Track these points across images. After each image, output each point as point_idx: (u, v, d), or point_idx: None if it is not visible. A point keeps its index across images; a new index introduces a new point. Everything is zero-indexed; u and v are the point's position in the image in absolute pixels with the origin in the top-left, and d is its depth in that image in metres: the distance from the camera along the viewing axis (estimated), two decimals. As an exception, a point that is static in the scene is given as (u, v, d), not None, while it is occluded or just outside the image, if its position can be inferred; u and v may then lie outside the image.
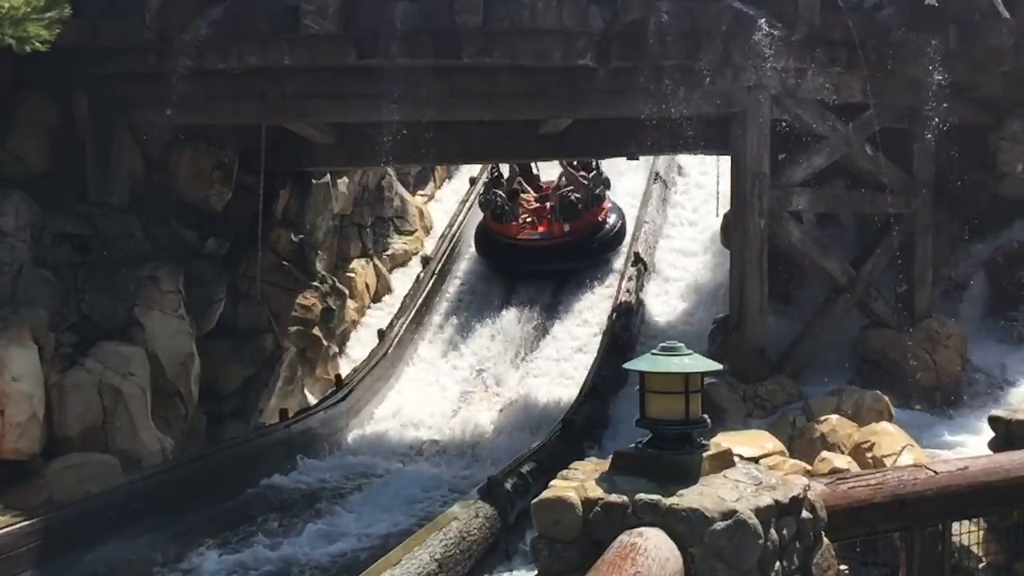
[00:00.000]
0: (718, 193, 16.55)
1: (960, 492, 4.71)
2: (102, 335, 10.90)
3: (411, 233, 19.90)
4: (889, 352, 11.89)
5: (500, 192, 18.71)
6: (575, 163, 18.98)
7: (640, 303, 16.30)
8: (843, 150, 11.79)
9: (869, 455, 8.73)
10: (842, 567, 4.62)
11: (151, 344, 11.13)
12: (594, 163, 18.65)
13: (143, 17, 10.67)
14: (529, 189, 19.44)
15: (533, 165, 19.61)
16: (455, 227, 19.80)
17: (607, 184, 18.47)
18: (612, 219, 18.27)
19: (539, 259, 17.69)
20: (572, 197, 17.84)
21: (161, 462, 10.71)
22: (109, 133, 11.81)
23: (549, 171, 20.27)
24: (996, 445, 5.87)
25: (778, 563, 3.94)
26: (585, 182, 18.37)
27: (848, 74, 11.45)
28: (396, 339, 16.12)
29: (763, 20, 10.64)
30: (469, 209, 20.50)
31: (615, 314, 15.58)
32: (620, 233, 18.23)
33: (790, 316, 12.91)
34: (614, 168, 20.09)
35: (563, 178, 18.87)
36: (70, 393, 10.29)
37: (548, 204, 18.46)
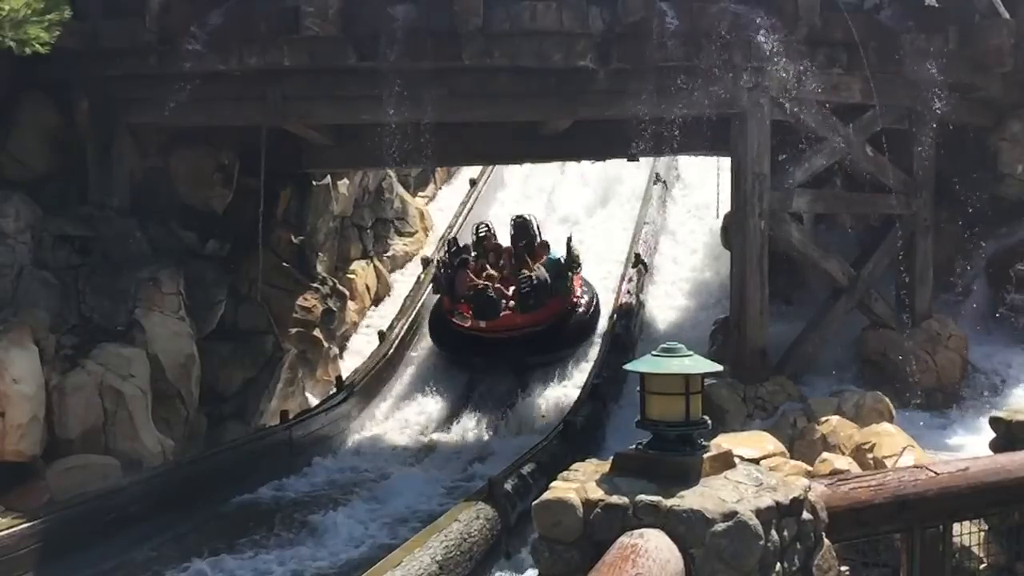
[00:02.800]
0: (718, 194, 16.57)
1: (961, 493, 4.70)
2: (103, 337, 10.90)
3: (412, 234, 19.92)
4: (890, 353, 11.89)
5: (442, 257, 16.11)
6: (527, 246, 16.05)
7: (640, 304, 16.30)
8: (843, 151, 11.80)
9: (870, 456, 8.72)
10: (843, 568, 4.62)
11: (152, 346, 11.13)
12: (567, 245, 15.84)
13: (143, 19, 10.69)
14: (502, 257, 16.10)
15: (536, 227, 16.46)
16: (456, 228, 19.81)
17: (548, 288, 14.90)
18: (580, 311, 15.34)
19: (483, 350, 14.78)
20: (488, 294, 14.93)
21: (162, 463, 10.72)
22: (110, 135, 11.82)
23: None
24: (997, 446, 5.88)
25: (779, 564, 3.94)
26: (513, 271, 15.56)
27: (848, 75, 11.45)
28: (397, 340, 16.11)
29: (763, 21, 10.64)
30: (470, 211, 20.52)
31: (615, 315, 15.59)
32: (589, 324, 15.47)
33: (791, 317, 12.92)
34: (615, 168, 20.13)
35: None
36: (71, 395, 10.29)
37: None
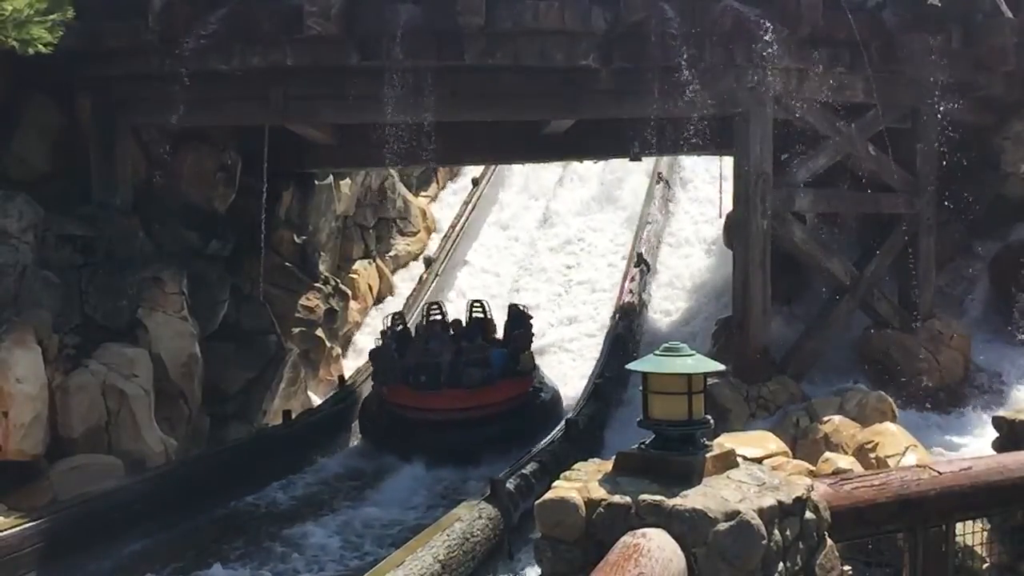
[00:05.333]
0: (720, 193, 16.58)
1: (964, 492, 4.69)
2: (106, 336, 10.92)
3: (414, 234, 19.95)
4: (893, 352, 11.88)
5: (400, 322, 14.40)
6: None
7: (643, 304, 16.29)
8: (846, 150, 11.80)
9: (872, 455, 8.73)
10: (846, 568, 4.62)
11: (155, 345, 11.15)
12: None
13: (146, 19, 10.70)
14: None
15: (529, 320, 14.39)
16: (458, 228, 19.83)
17: (447, 373, 12.95)
18: (506, 410, 12.70)
19: (382, 416, 13.11)
20: (387, 351, 13.62)
21: (164, 463, 10.72)
22: (112, 135, 11.84)
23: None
24: (1000, 445, 5.86)
25: (781, 564, 3.93)
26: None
27: (851, 74, 11.45)
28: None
29: (765, 21, 10.63)
30: (472, 210, 20.54)
31: (618, 315, 15.57)
32: (510, 429, 12.49)
33: (793, 316, 12.91)
34: (615, 168, 20.15)
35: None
36: (74, 394, 10.30)
37: None
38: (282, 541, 10.17)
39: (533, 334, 14.37)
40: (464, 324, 14.22)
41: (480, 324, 14.25)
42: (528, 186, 21.91)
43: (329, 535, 10.31)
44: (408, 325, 14.87)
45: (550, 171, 21.62)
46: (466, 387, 12.74)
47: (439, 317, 14.34)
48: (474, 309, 14.54)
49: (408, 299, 17.64)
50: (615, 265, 18.52)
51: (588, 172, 21.32)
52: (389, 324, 14.19)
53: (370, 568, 7.78)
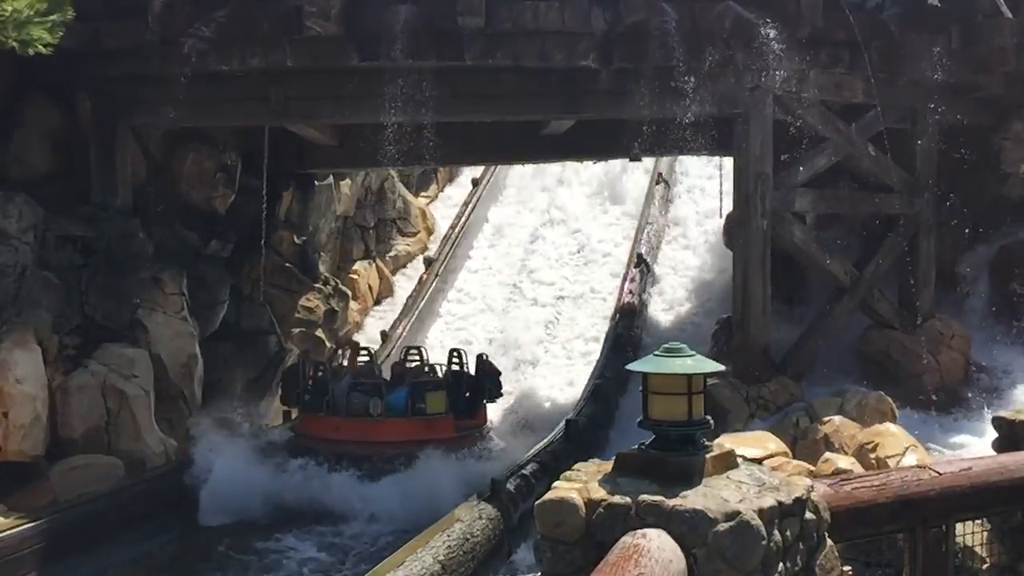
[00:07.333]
0: (720, 194, 16.58)
1: (964, 493, 4.69)
2: (105, 337, 10.93)
3: (414, 234, 19.95)
4: (893, 353, 11.88)
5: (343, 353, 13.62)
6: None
7: (643, 304, 16.29)
8: (846, 151, 11.79)
9: (872, 456, 8.73)
10: (846, 568, 4.62)
11: (154, 346, 11.16)
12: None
13: (146, 19, 10.70)
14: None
15: (496, 373, 13.38)
16: (457, 228, 19.83)
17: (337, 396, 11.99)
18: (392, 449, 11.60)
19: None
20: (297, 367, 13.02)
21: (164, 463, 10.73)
22: (112, 135, 11.84)
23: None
24: (1000, 446, 5.86)
25: (781, 564, 3.93)
26: None
27: (851, 75, 11.45)
28: (399, 340, 16.13)
29: (765, 21, 10.63)
30: (472, 211, 20.53)
31: (618, 315, 15.57)
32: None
33: (793, 317, 12.90)
34: (614, 168, 20.13)
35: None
36: (74, 395, 10.32)
37: None
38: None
39: (503, 393, 13.51)
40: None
41: (457, 375, 13.10)
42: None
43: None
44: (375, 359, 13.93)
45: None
46: (347, 415, 11.77)
47: (417, 362, 13.41)
48: (453, 360, 13.38)
49: (408, 300, 17.63)
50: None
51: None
52: (347, 354, 13.46)
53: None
